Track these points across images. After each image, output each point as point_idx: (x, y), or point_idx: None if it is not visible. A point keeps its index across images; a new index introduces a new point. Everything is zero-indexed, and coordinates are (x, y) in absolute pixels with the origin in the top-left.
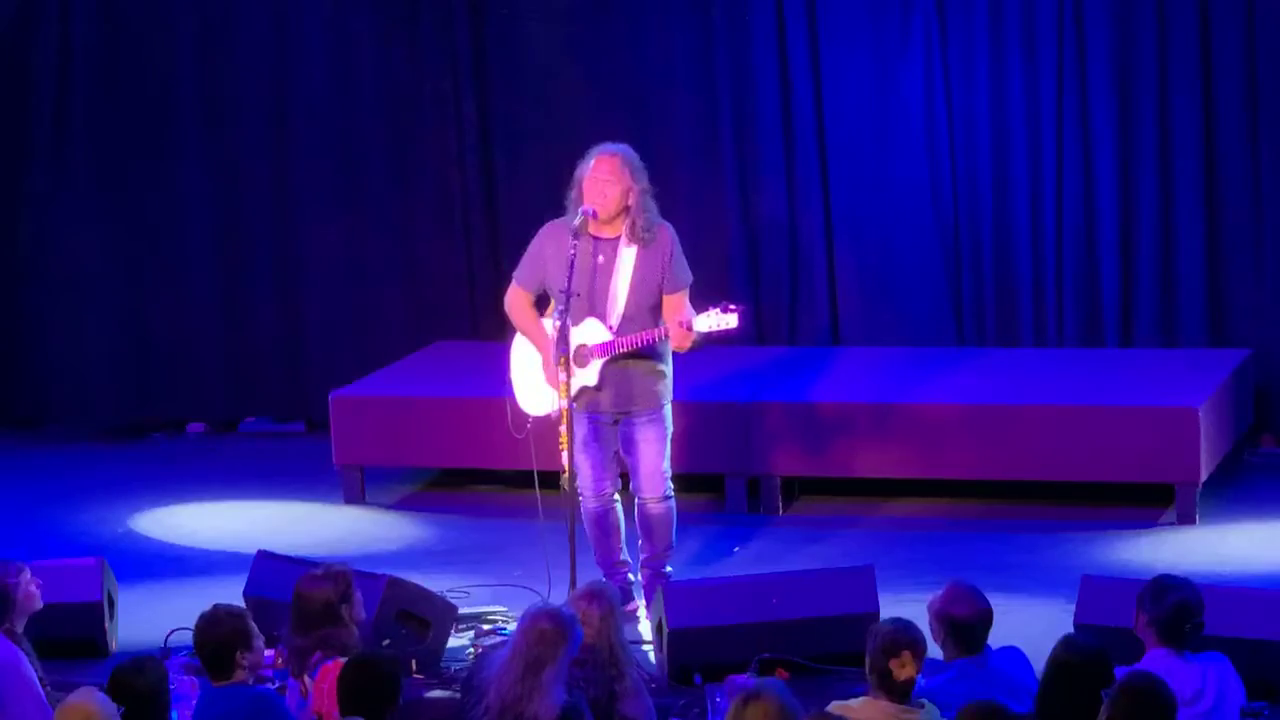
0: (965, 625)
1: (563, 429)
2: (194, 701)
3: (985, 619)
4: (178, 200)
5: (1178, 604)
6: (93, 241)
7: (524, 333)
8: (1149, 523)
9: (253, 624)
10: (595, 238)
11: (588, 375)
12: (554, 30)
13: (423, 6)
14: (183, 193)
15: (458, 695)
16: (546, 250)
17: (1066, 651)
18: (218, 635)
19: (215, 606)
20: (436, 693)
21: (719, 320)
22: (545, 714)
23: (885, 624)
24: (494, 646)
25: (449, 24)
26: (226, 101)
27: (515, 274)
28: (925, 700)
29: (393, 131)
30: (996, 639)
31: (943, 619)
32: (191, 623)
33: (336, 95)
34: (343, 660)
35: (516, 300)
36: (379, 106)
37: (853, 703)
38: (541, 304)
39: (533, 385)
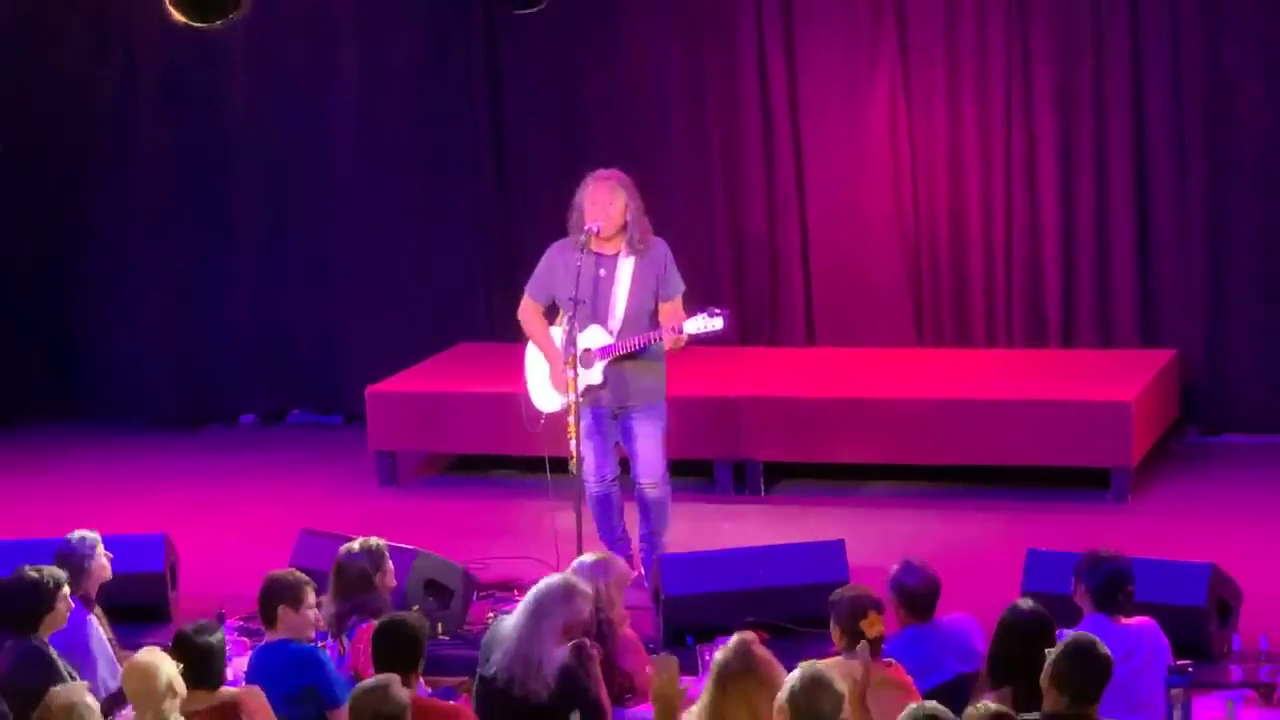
0: (916, 594)
1: (571, 420)
2: (246, 659)
3: (934, 589)
4: (228, 221)
5: (1111, 574)
6: (154, 255)
7: (534, 341)
8: (1087, 502)
9: (307, 589)
10: (597, 253)
11: (592, 375)
12: (564, 68)
13: (446, 42)
14: (232, 213)
15: (477, 654)
16: (554, 266)
17: (1014, 616)
18: (268, 588)
19: (282, 571)
20: (459, 652)
21: (707, 323)
22: (550, 665)
23: (846, 591)
24: (508, 612)
25: (469, 59)
26: (270, 131)
27: (527, 288)
28: (892, 658)
29: (419, 155)
30: (953, 606)
31: (896, 588)
32: (245, 591)
33: (369, 124)
34: (375, 623)
35: (528, 311)
36: (407, 132)
37: (828, 662)
38: (551, 314)
39: (542, 386)
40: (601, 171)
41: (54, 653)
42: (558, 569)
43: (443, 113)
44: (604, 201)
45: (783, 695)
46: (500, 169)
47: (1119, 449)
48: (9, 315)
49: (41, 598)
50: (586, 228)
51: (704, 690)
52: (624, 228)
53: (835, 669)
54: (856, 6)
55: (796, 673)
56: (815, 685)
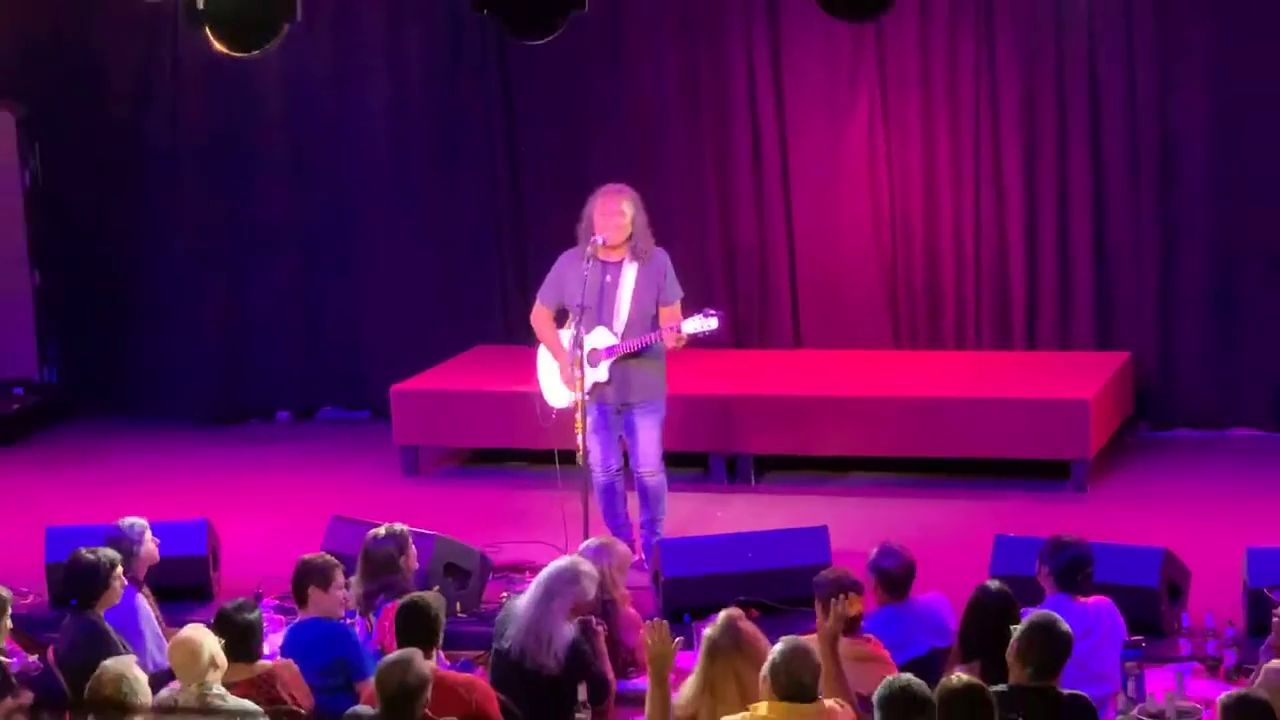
0: (892, 575)
1: (579, 416)
2: (282, 634)
3: (909, 571)
4: (265, 237)
5: (1072, 558)
6: (199, 269)
7: (545, 343)
8: (1049, 492)
9: (336, 571)
10: (603, 261)
11: (598, 373)
12: (571, 91)
13: (463, 67)
14: (269, 232)
15: (492, 630)
16: (564, 274)
17: (982, 596)
18: (300, 571)
19: (314, 555)
20: (476, 628)
21: (703, 323)
22: (559, 640)
23: (828, 573)
24: (521, 592)
25: (484, 82)
26: (302, 154)
27: (539, 294)
28: (871, 635)
29: (439, 171)
30: (927, 586)
31: (874, 570)
32: (281, 572)
33: (393, 141)
34: (398, 602)
35: (540, 316)
36: (427, 149)
37: (809, 637)
38: (560, 318)
39: (554, 384)
40: (611, 186)
41: (109, 628)
42: (566, 553)
43: (460, 134)
44: (613, 212)
45: (766, 666)
46: (514, 185)
47: (1078, 442)
48: (71, 323)
49: (100, 577)
50: (593, 239)
51: (696, 662)
52: (630, 237)
53: (816, 643)
54: (839, 38)
55: (779, 645)
56: (796, 656)
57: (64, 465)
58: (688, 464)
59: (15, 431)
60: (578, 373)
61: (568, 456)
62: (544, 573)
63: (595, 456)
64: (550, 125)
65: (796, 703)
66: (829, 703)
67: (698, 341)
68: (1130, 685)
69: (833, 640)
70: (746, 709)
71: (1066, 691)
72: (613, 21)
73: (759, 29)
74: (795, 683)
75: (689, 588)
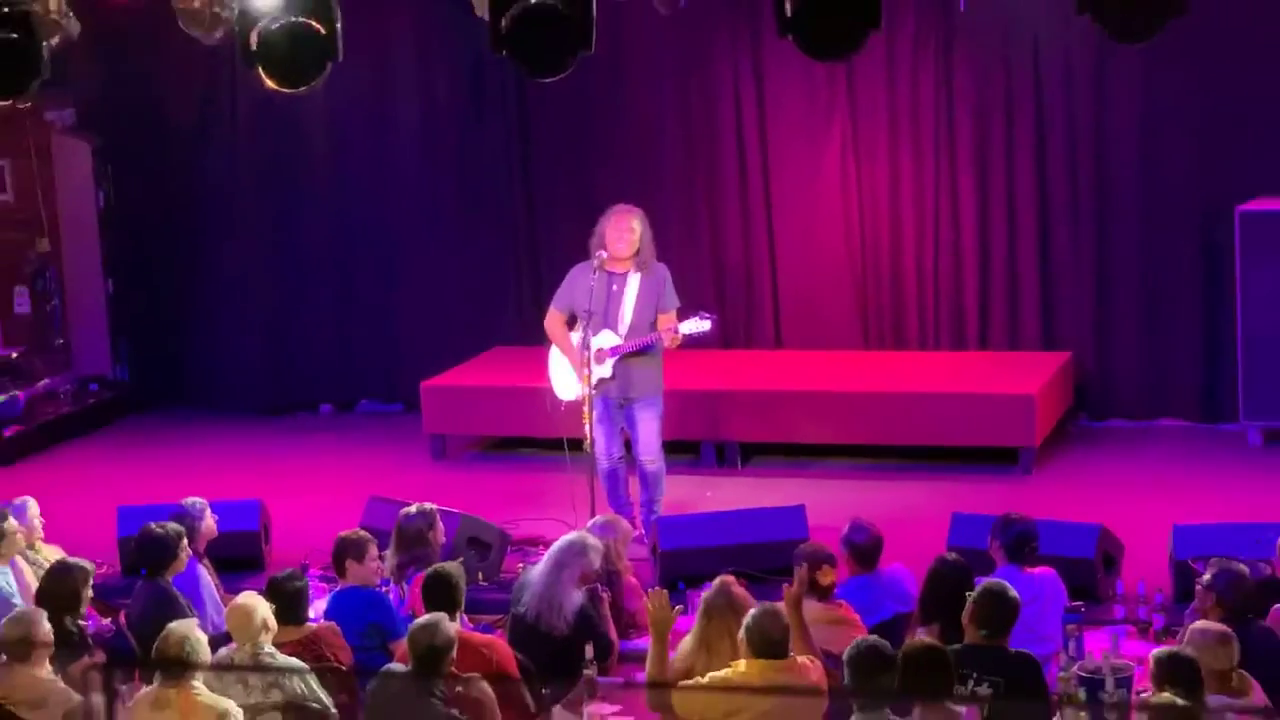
0: (862, 549)
1: (586, 409)
2: (325, 600)
3: (877, 544)
4: (309, 253)
5: (1019, 533)
6: (250, 276)
7: (557, 344)
8: (1000, 475)
9: (369, 545)
10: (610, 272)
11: (603, 370)
12: (580, 125)
13: (484, 100)
14: (312, 248)
15: (510, 596)
16: (575, 283)
17: (941, 566)
18: (338, 546)
19: (350, 531)
20: (495, 595)
21: (698, 325)
22: (569, 606)
23: (806, 546)
24: (535, 563)
25: (503, 114)
26: (342, 182)
27: (553, 301)
28: (843, 600)
29: (463, 194)
30: (892, 558)
31: (846, 544)
32: (325, 546)
33: (423, 167)
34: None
35: (553, 319)
36: (453, 174)
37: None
38: (571, 322)
39: (563, 379)
40: (622, 205)
41: (177, 593)
42: (575, 528)
43: (482, 160)
44: (624, 229)
45: (742, 628)
46: (529, 206)
47: (1025, 432)
48: (140, 326)
49: (168, 548)
50: (599, 253)
51: (695, 621)
52: (637, 252)
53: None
54: (815, 75)
55: (753, 610)
56: (766, 618)
57: (134, 452)
58: (682, 451)
59: (91, 422)
60: (585, 370)
61: (576, 444)
62: (555, 546)
63: (600, 445)
64: (561, 153)
65: (770, 659)
66: (801, 659)
67: (691, 343)
68: (1071, 645)
69: (796, 602)
70: None
71: (1015, 650)
72: (616, 62)
73: (744, 67)
74: (766, 641)
75: (683, 559)
